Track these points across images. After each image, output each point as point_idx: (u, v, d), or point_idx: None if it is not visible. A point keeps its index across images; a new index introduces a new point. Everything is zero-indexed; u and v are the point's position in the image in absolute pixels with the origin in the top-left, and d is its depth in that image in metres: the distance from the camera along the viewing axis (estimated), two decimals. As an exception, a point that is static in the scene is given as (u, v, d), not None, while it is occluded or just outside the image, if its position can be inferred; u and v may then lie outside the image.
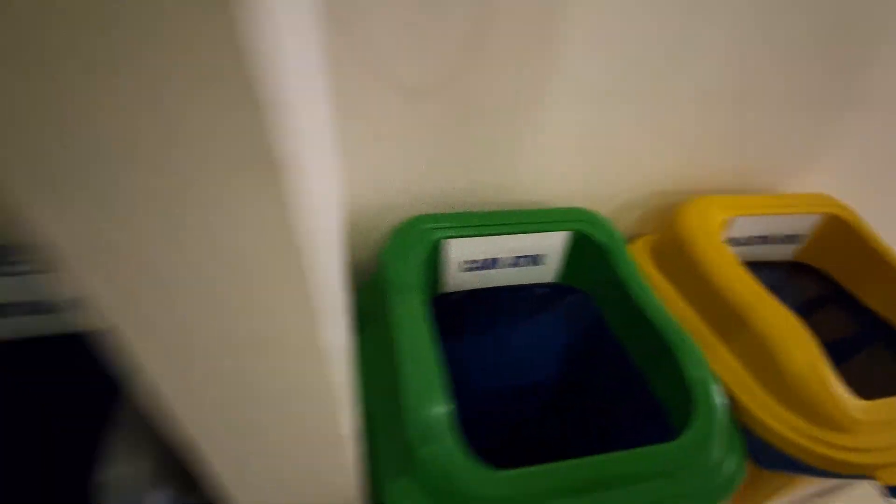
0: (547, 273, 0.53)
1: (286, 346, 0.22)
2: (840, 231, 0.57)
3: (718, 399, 0.38)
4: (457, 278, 0.50)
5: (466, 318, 0.54)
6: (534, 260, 0.51)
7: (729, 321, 0.46)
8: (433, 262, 0.48)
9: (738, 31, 0.49)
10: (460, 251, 0.48)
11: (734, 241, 0.55)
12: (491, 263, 0.50)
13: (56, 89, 0.12)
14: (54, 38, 0.11)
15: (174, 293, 0.19)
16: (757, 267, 0.52)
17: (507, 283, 0.53)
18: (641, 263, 0.53)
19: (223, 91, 0.13)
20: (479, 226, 0.48)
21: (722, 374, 0.43)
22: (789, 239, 0.59)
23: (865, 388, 0.42)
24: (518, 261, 0.51)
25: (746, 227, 0.55)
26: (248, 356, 0.22)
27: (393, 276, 0.42)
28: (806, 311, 0.48)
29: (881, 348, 0.55)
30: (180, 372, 0.22)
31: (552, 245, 0.50)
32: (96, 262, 0.17)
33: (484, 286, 0.53)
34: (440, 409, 0.35)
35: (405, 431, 0.35)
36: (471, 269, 0.50)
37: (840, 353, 0.45)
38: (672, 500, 0.36)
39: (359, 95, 0.41)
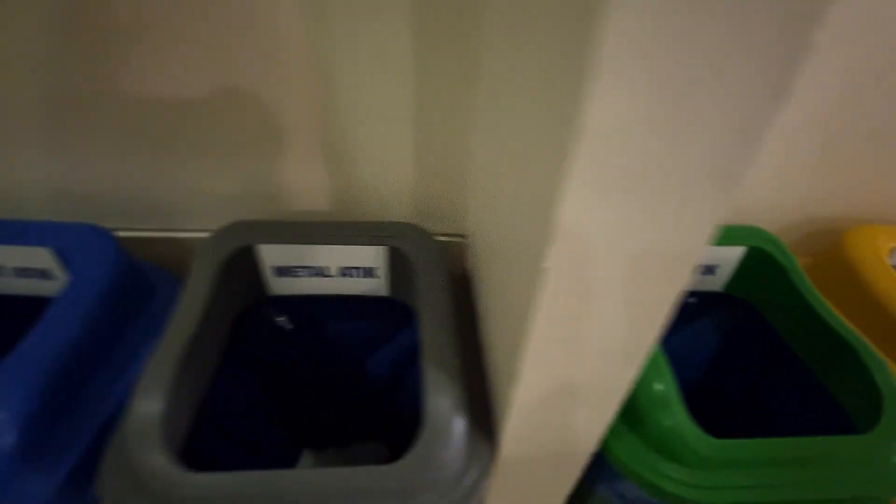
0: (715, 282, 0.60)
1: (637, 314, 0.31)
2: None
3: (904, 403, 0.44)
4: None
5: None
6: (709, 269, 0.58)
7: (900, 340, 0.51)
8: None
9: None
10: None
11: (896, 269, 0.60)
12: (670, 269, 0.58)
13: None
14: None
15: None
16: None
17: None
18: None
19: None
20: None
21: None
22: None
23: None
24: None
25: (910, 256, 0.59)
26: (602, 322, 0.31)
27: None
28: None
29: None
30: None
31: (727, 258, 0.57)
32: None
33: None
34: (667, 385, 0.43)
35: (636, 401, 0.43)
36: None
37: None
38: (855, 484, 0.43)
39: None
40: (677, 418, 0.41)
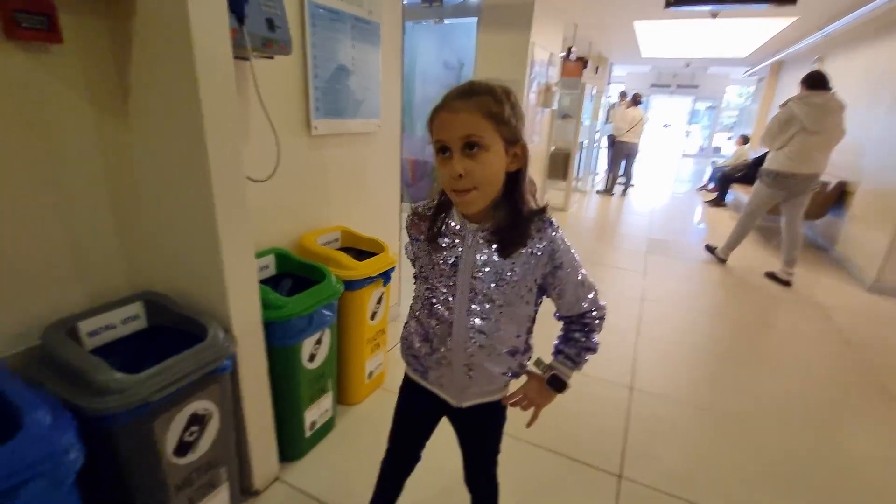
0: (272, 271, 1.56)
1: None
2: None
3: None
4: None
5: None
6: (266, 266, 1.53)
7: (328, 262, 1.63)
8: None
9: None
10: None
11: (321, 244, 1.75)
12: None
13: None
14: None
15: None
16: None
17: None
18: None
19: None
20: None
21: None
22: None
23: None
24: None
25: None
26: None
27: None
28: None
29: None
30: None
31: (266, 261, 1.54)
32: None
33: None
34: (268, 292, 1.34)
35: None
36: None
37: None
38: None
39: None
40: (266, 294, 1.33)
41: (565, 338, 0.91)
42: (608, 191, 7.06)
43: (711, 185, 7.50)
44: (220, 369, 1.09)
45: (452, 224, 0.83)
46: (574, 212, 5.82)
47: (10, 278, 0.99)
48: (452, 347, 0.86)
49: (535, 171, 5.33)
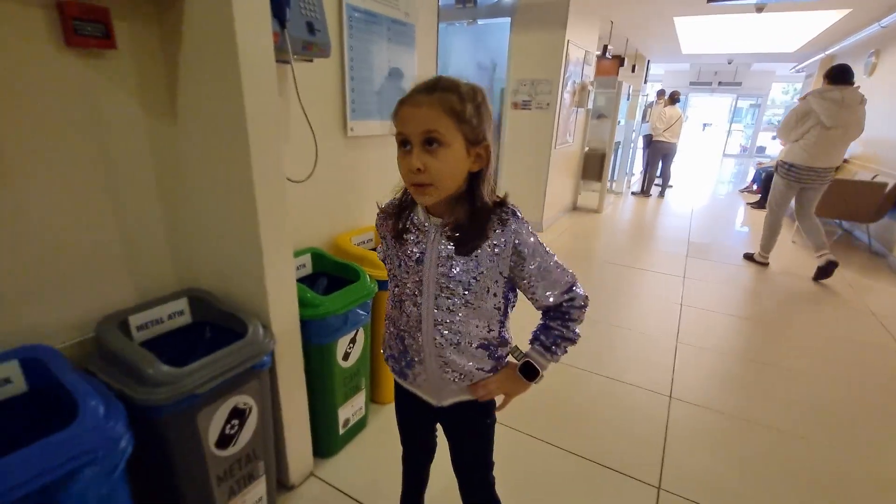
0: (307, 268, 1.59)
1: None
2: None
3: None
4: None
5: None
6: (302, 265, 1.56)
7: (362, 261, 1.64)
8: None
9: None
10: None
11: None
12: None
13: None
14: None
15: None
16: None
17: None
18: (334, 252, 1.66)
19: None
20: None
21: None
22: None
23: None
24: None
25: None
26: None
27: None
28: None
29: None
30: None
31: (303, 260, 1.57)
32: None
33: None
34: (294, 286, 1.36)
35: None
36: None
37: None
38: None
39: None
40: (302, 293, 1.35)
41: (543, 326, 0.88)
42: (644, 192, 6.87)
43: (755, 187, 7.18)
44: (259, 365, 1.11)
45: (416, 219, 0.83)
46: (609, 213, 5.68)
47: (69, 273, 1.04)
48: (422, 343, 0.86)
49: (568, 171, 5.24)
